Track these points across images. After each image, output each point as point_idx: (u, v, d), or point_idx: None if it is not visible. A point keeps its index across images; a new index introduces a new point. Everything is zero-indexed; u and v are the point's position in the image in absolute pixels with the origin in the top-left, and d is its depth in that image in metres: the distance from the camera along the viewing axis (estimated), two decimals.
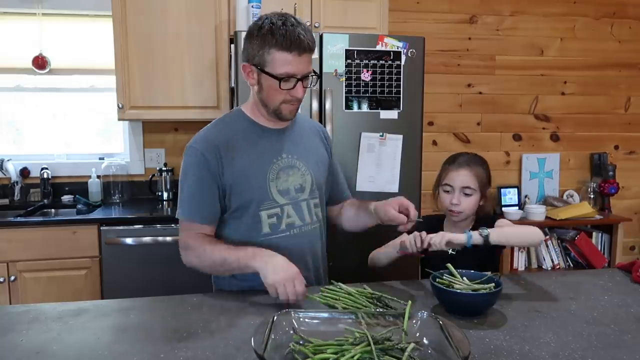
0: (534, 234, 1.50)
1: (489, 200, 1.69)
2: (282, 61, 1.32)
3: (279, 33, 1.30)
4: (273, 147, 1.46)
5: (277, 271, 1.27)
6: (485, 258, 1.58)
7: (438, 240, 1.41)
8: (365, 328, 1.02)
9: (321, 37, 2.38)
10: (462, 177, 1.62)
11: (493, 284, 1.25)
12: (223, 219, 1.46)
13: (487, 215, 1.70)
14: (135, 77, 2.67)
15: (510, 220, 3.19)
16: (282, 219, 1.44)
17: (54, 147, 3.09)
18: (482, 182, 1.63)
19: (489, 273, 1.31)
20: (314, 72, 1.40)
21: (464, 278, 1.30)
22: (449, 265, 1.35)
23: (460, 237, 1.42)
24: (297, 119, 1.56)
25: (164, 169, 2.96)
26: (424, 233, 1.44)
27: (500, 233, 1.46)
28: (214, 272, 1.47)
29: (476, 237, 1.42)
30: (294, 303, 1.25)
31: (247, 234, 1.43)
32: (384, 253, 1.64)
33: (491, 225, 1.58)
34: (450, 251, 1.60)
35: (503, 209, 3.28)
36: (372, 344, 0.93)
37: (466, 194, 1.61)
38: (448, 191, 1.64)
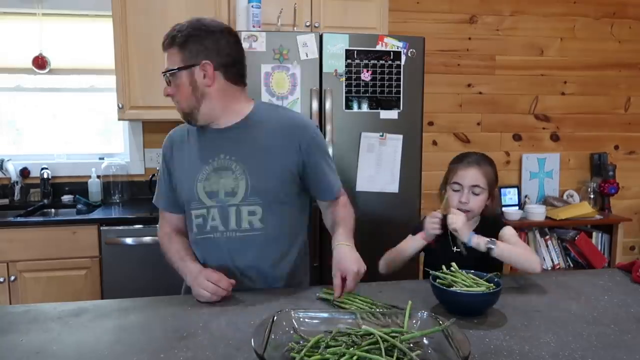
0: (535, 262, 1.49)
1: (496, 200, 1.70)
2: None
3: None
4: (211, 147, 1.43)
5: (192, 282, 1.35)
6: (491, 260, 1.57)
7: (452, 223, 1.53)
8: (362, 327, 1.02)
9: (321, 37, 2.38)
10: (471, 175, 1.61)
11: (493, 284, 1.25)
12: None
13: (492, 216, 1.69)
14: (135, 77, 2.67)
15: (509, 221, 3.20)
16: (207, 220, 1.43)
17: (54, 147, 3.09)
18: (490, 181, 1.63)
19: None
20: (180, 67, 1.35)
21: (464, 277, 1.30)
22: (454, 264, 1.34)
23: (464, 233, 1.52)
24: (260, 117, 1.43)
25: None
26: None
27: (506, 249, 1.49)
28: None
29: (475, 243, 1.50)
30: (224, 294, 1.31)
31: (189, 232, 1.51)
32: (410, 247, 1.64)
33: (495, 228, 1.60)
34: (454, 249, 1.61)
35: (503, 209, 3.28)
36: (381, 342, 0.93)
37: (475, 193, 1.61)
38: (457, 190, 1.63)
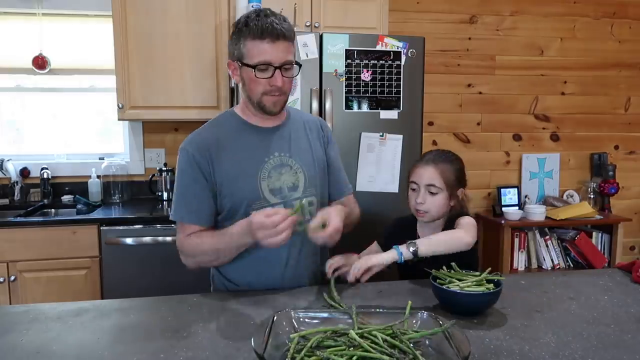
0: (459, 238, 1.41)
1: (466, 201, 1.59)
2: (256, 50, 1.33)
3: (252, 24, 1.32)
4: (264, 146, 1.45)
5: (253, 235, 1.26)
6: (465, 257, 1.49)
7: (359, 266, 1.36)
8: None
9: (321, 37, 2.38)
10: (427, 174, 1.53)
11: (493, 284, 1.25)
12: (216, 220, 1.46)
13: (458, 214, 1.56)
14: (135, 77, 2.67)
15: (509, 221, 3.19)
16: None
17: (54, 147, 3.09)
18: (448, 180, 1.53)
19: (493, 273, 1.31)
20: (296, 62, 1.39)
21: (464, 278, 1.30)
22: (453, 264, 1.34)
23: (387, 257, 1.38)
24: (292, 116, 1.55)
25: (164, 169, 2.96)
26: (351, 265, 1.38)
27: (428, 244, 1.39)
28: (214, 264, 1.46)
29: (406, 253, 1.37)
30: (288, 233, 1.23)
31: None
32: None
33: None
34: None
35: (503, 209, 3.28)
36: (381, 342, 0.93)
37: (431, 193, 1.52)
38: (414, 189, 1.56)
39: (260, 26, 1.31)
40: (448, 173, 1.54)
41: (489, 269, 1.32)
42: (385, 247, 1.57)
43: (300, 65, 1.42)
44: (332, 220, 1.30)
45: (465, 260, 1.40)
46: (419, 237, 1.56)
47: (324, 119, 2.37)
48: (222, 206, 1.43)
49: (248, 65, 1.34)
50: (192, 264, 1.44)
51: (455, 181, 1.55)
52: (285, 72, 1.36)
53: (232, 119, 1.48)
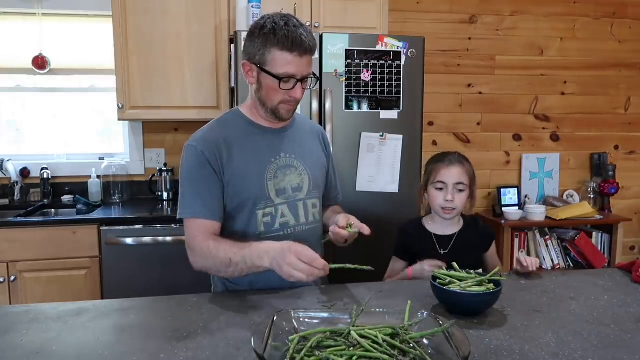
0: None
1: (474, 200, 1.74)
2: (283, 61, 1.33)
3: (282, 33, 1.31)
4: (271, 147, 1.46)
5: (278, 261, 1.22)
6: (478, 258, 1.62)
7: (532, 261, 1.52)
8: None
9: (321, 37, 2.38)
10: (455, 173, 1.64)
11: (493, 284, 1.25)
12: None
13: (472, 216, 1.75)
14: (135, 77, 2.67)
15: (509, 221, 3.21)
16: (276, 218, 1.45)
17: (54, 147, 3.09)
18: (471, 179, 1.67)
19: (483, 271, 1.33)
20: (314, 74, 1.41)
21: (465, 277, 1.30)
22: (454, 264, 1.35)
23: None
24: (297, 120, 1.57)
25: (164, 169, 2.96)
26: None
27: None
28: (223, 273, 1.39)
29: None
30: (319, 275, 1.21)
31: (242, 232, 1.44)
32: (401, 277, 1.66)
33: (484, 237, 1.70)
34: (442, 251, 1.63)
35: (503, 209, 3.28)
36: (381, 342, 0.93)
37: (460, 190, 1.64)
38: (441, 188, 1.65)
39: (290, 38, 1.30)
40: (470, 171, 1.68)
41: (498, 268, 1.33)
42: (406, 257, 1.70)
43: (318, 78, 1.45)
44: (358, 223, 1.41)
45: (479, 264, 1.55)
46: (434, 235, 1.68)
47: (324, 119, 2.37)
48: (227, 203, 1.44)
49: (271, 74, 1.34)
50: (200, 266, 1.42)
51: (474, 180, 1.69)
52: (303, 84, 1.39)
53: (239, 120, 1.49)
